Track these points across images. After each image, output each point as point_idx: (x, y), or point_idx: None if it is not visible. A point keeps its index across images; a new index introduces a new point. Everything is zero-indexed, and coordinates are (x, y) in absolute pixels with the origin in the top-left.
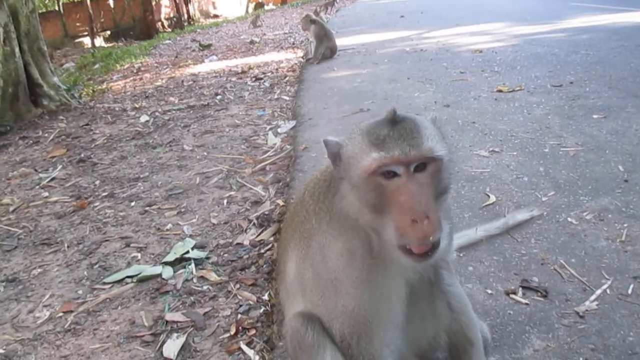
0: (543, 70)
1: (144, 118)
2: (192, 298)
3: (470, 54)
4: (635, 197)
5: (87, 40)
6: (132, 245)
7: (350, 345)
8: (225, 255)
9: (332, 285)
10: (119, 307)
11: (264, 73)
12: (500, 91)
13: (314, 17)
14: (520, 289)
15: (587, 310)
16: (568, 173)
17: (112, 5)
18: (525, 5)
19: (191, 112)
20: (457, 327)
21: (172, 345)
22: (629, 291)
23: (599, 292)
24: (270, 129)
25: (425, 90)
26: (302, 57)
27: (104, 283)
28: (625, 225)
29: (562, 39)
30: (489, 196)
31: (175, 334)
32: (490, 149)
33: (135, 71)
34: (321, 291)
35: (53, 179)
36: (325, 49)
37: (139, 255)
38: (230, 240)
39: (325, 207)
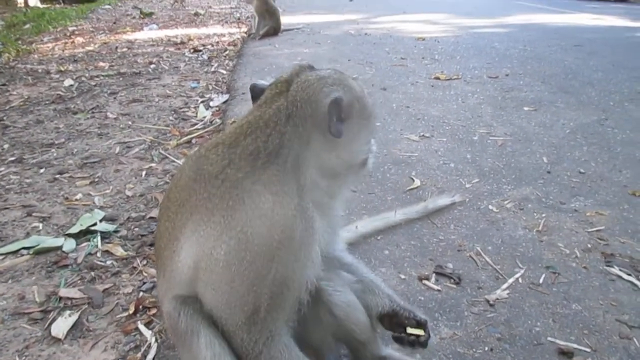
0: (481, 62)
1: (68, 82)
2: (92, 273)
3: (413, 41)
4: (555, 188)
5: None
6: (34, 214)
7: (257, 320)
8: (136, 229)
9: (273, 250)
10: (9, 281)
11: (203, 45)
12: (437, 78)
13: None
14: (434, 275)
15: (497, 299)
16: (494, 161)
17: None
18: (471, 0)
19: (121, 79)
20: (344, 333)
21: (62, 324)
22: (541, 281)
23: (511, 280)
24: (202, 101)
25: (364, 73)
26: (246, 33)
27: None
28: (544, 215)
29: (503, 33)
30: (413, 180)
31: (67, 312)
32: (421, 133)
33: (68, 34)
34: (247, 262)
35: None
36: (268, 25)
37: (41, 225)
38: (144, 214)
39: (279, 172)
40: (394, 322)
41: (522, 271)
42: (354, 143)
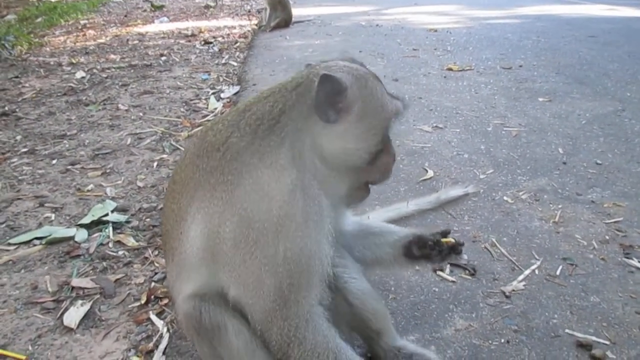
0: (494, 53)
1: (79, 74)
2: (104, 263)
3: (425, 32)
4: (571, 179)
5: None
6: (46, 205)
7: (286, 301)
8: (148, 219)
9: (275, 226)
10: (22, 271)
11: (214, 37)
12: (450, 69)
13: None
14: (448, 266)
15: (513, 290)
16: (508, 152)
17: None
18: None
19: (132, 71)
20: (359, 322)
21: (75, 313)
22: (557, 272)
23: (527, 272)
24: (213, 93)
25: (375, 64)
26: (256, 25)
27: (9, 244)
28: (560, 206)
29: (516, 24)
30: (427, 171)
31: (80, 301)
32: (434, 124)
33: (80, 27)
34: (252, 240)
35: None
36: (279, 17)
37: (53, 216)
38: (155, 205)
39: (275, 143)
40: (421, 245)
41: (538, 263)
42: (350, 136)
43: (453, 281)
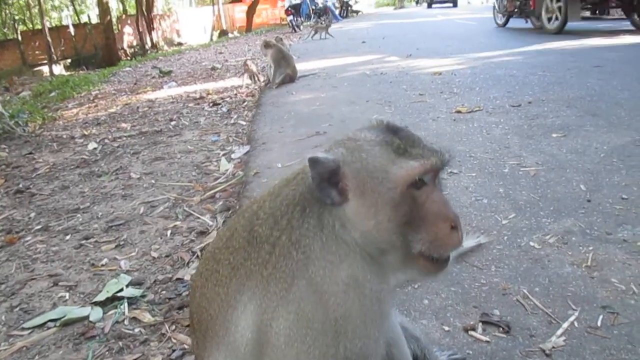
0: (501, 91)
1: (91, 145)
2: (120, 343)
3: (429, 77)
4: (599, 218)
5: (46, 69)
6: (60, 283)
7: None
8: (163, 292)
9: (334, 326)
10: (36, 357)
11: (222, 98)
12: (459, 112)
13: (271, 41)
14: (480, 324)
15: (554, 347)
16: (529, 194)
17: (72, 33)
18: (484, 32)
19: (142, 138)
20: None
21: None
22: (599, 323)
23: (565, 325)
24: (224, 154)
25: (383, 112)
26: (263, 82)
27: (23, 328)
28: (591, 248)
29: (520, 61)
30: None
31: None
32: (449, 170)
33: (92, 98)
34: (311, 340)
35: None
36: (284, 73)
37: (67, 295)
38: (170, 275)
39: (312, 233)
40: None
41: (576, 313)
42: (362, 214)
43: (487, 341)
